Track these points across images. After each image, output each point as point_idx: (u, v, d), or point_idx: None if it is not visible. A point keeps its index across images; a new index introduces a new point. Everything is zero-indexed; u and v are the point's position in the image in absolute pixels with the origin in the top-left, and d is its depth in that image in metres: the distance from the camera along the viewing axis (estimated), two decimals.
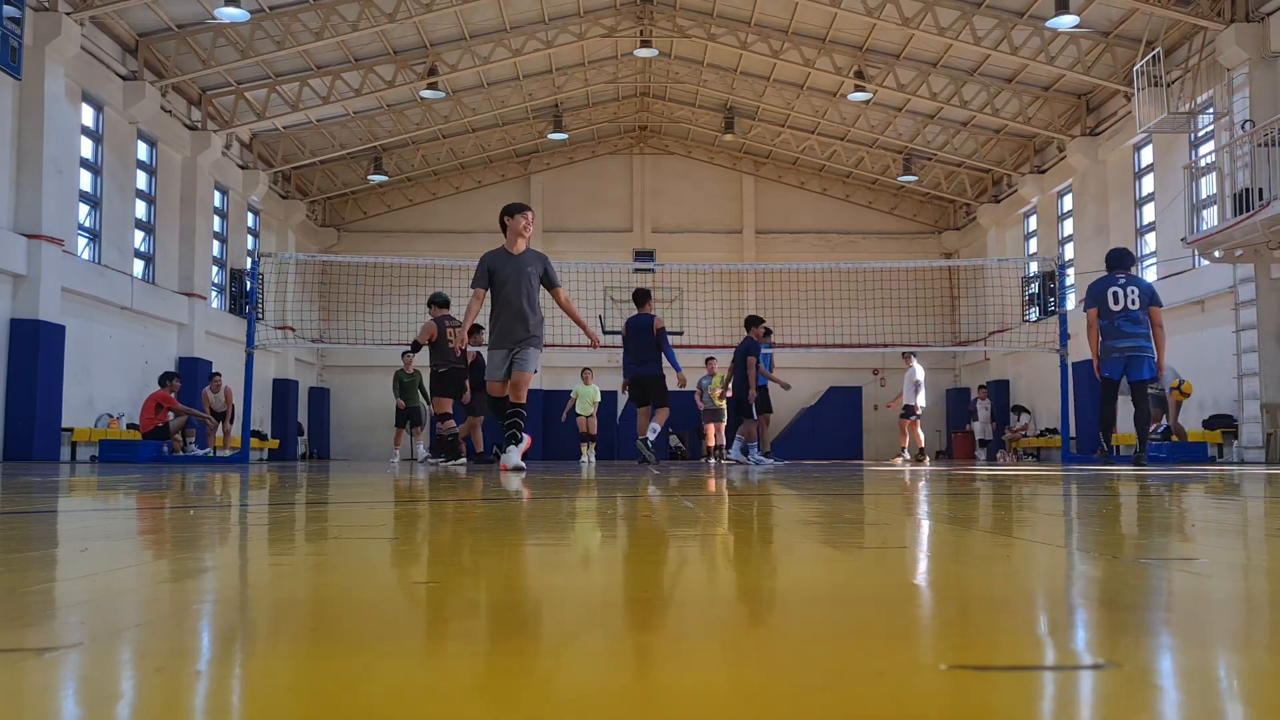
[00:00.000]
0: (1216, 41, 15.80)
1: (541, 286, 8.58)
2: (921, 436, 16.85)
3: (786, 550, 2.00)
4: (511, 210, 8.58)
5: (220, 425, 17.45)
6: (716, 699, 0.77)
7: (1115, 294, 10.21)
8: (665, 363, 12.25)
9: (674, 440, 24.98)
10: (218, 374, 18.08)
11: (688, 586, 1.49)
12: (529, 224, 8.47)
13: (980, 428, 24.38)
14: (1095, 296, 10.34)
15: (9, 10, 13.99)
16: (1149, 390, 11.01)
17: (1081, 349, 20.71)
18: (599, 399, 18.90)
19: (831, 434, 25.33)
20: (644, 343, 12.10)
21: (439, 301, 12.92)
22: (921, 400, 16.84)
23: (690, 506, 3.48)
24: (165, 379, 16.23)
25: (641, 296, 12.43)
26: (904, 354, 17.38)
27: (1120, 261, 10.46)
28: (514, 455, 8.40)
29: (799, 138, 26.69)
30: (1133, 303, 10.16)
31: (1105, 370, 10.43)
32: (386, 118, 24.06)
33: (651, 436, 11.91)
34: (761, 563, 1.81)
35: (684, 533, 2.37)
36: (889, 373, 27.15)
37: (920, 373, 16.83)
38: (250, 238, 24.60)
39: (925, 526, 2.64)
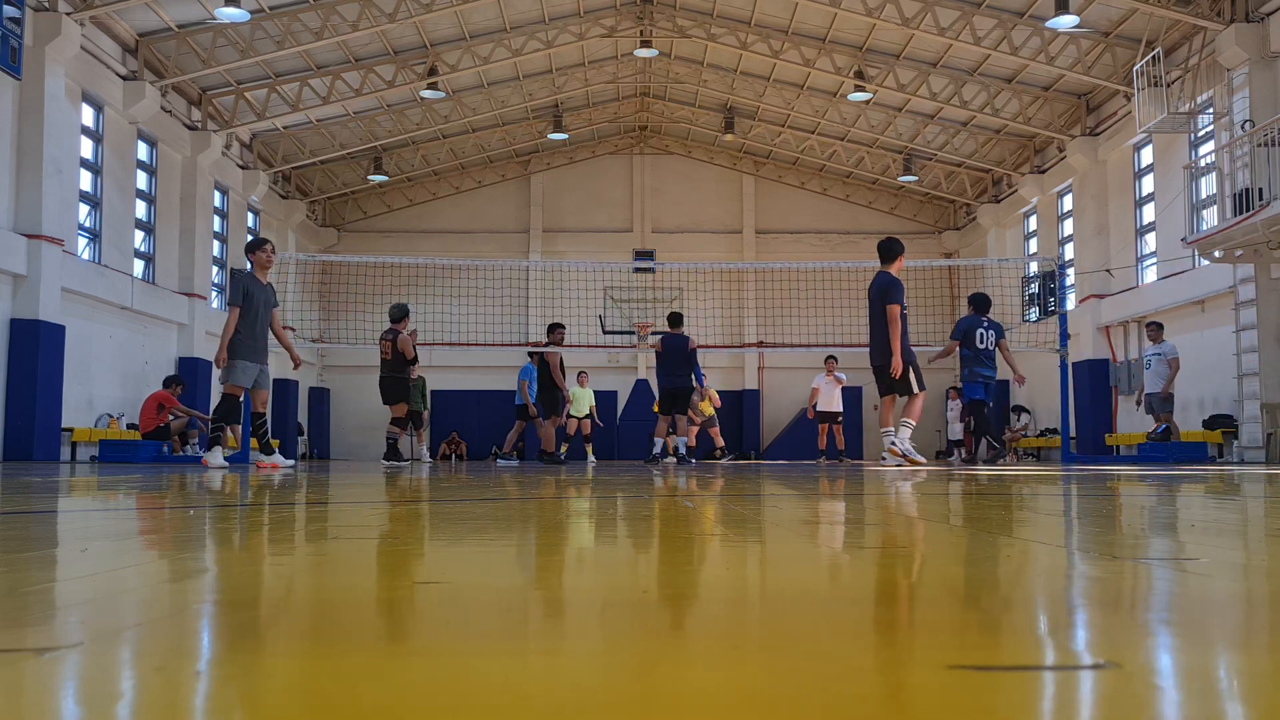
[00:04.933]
0: (1216, 41, 15.79)
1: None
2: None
3: (781, 549, 2.00)
4: (254, 246, 10.24)
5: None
6: (716, 698, 0.77)
7: (981, 334, 12.79)
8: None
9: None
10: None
11: (689, 585, 1.49)
12: (270, 258, 10.22)
13: (951, 428, 24.02)
14: (964, 332, 12.92)
15: (9, 10, 13.99)
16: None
17: (1082, 349, 20.81)
18: (594, 402, 18.94)
19: None
20: (679, 359, 13.94)
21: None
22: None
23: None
24: (169, 383, 16.23)
25: (676, 319, 14.39)
26: (831, 358, 18.18)
27: (987, 307, 13.15)
28: (217, 455, 9.92)
29: (799, 138, 26.68)
30: (991, 343, 12.83)
31: (975, 392, 12.96)
32: (386, 118, 24.05)
33: (682, 449, 13.99)
34: (759, 562, 1.81)
35: (700, 531, 2.37)
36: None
37: (843, 377, 18.29)
38: (250, 238, 24.60)
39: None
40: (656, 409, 20.62)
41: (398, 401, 13.56)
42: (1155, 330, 15.58)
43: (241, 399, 10.32)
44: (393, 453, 13.65)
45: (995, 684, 0.82)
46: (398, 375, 13.48)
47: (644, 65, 24.39)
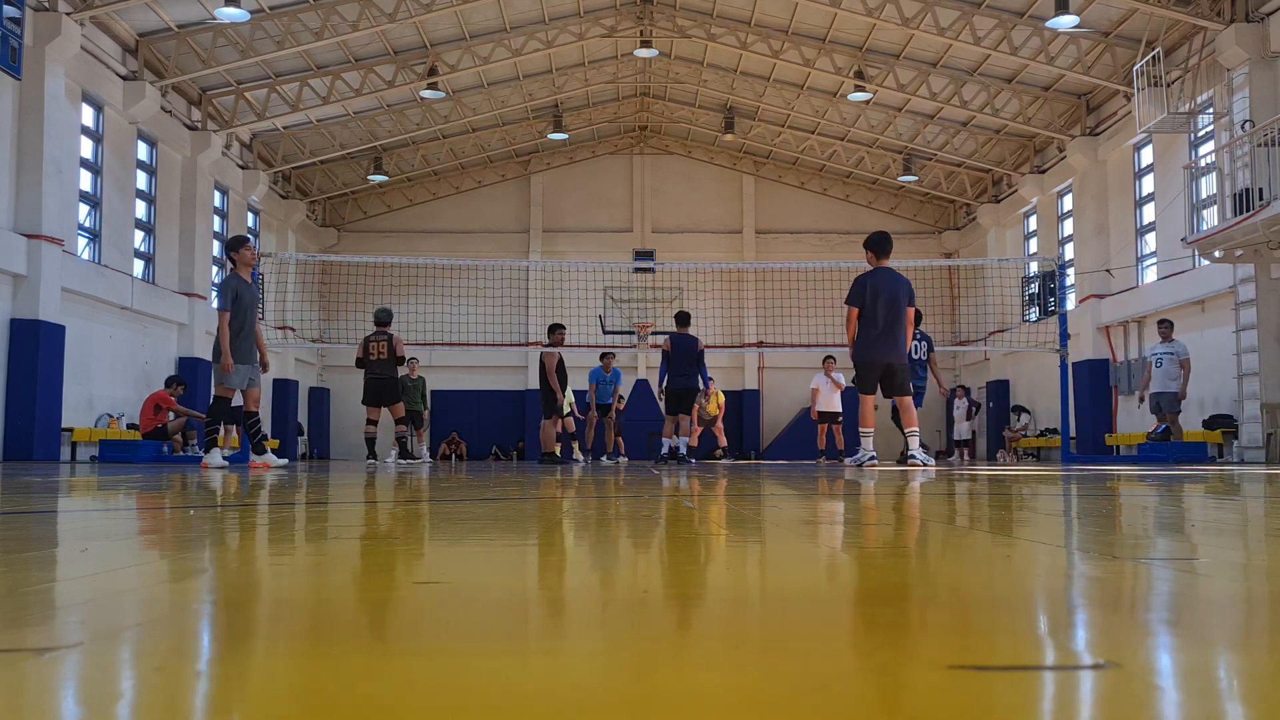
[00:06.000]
0: (1216, 41, 15.79)
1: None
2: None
3: (781, 549, 2.00)
4: (237, 244, 10.05)
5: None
6: (716, 698, 0.77)
7: (915, 346, 12.49)
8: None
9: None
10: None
11: (689, 585, 1.49)
12: (253, 255, 10.16)
13: (958, 428, 23.89)
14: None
15: (9, 10, 13.99)
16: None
17: (1082, 349, 20.82)
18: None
19: None
20: (688, 359, 14.09)
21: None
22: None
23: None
24: (171, 383, 16.23)
25: (684, 318, 14.43)
26: (830, 358, 18.05)
27: (918, 319, 12.58)
28: (216, 456, 9.83)
29: (799, 138, 26.68)
30: (923, 354, 13.17)
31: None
32: (386, 118, 24.05)
33: (682, 449, 14.04)
34: (759, 561, 1.81)
35: (695, 530, 2.37)
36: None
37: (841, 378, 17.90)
38: (250, 238, 24.59)
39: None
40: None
41: (395, 401, 13.79)
42: (1166, 328, 15.47)
43: (233, 400, 10.27)
44: (404, 451, 13.89)
45: (995, 684, 0.82)
46: (394, 376, 13.78)
47: (644, 65, 24.39)
